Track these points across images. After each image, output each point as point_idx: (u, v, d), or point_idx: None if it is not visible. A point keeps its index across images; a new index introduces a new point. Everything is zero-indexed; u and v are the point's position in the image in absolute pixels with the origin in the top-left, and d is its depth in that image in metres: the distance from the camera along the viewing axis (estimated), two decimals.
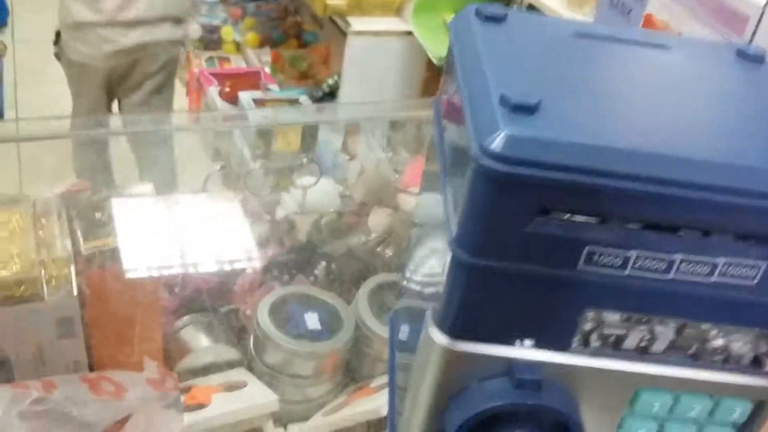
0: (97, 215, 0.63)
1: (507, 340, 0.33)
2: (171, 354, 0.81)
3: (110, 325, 0.60)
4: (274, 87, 2.40)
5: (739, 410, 0.34)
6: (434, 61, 1.87)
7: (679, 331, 0.33)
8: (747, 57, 0.38)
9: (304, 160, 0.85)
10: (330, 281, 0.91)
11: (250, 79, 2.44)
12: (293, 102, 2.26)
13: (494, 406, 0.32)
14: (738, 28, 0.41)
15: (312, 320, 0.81)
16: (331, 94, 2.31)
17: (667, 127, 0.32)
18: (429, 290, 0.39)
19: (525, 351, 0.33)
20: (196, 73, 2.48)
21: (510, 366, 0.33)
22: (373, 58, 2.07)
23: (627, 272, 0.30)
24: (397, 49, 2.08)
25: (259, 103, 2.21)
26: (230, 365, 0.81)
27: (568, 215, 0.29)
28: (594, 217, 0.29)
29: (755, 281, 0.30)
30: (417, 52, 2.00)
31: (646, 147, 0.29)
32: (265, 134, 1.02)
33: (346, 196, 0.92)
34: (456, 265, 0.31)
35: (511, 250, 0.30)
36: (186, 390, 0.76)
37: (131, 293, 0.61)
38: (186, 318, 0.84)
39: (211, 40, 2.74)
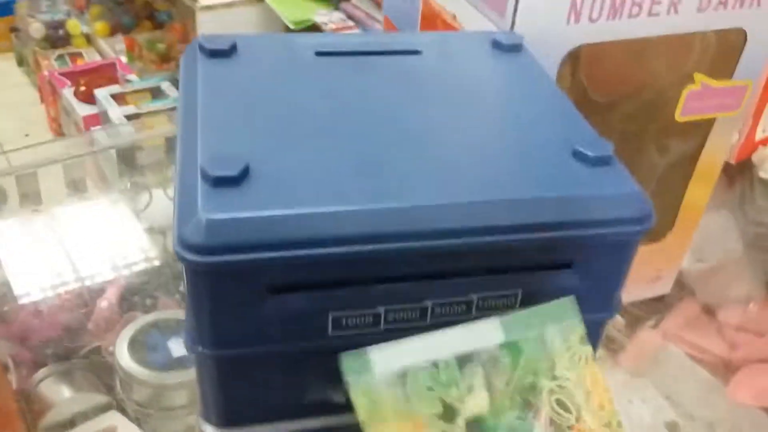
0: None
1: (282, 416, 0.30)
2: (34, 414, 0.75)
3: None
4: (132, 77, 2.26)
5: None
6: (290, 26, 1.80)
7: None
8: (502, 47, 0.36)
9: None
10: None
11: (105, 73, 2.29)
12: (155, 91, 2.14)
13: None
14: (499, 6, 0.39)
15: (177, 347, 0.77)
16: None
17: (396, 176, 0.28)
18: None
19: (305, 422, 0.30)
20: (47, 75, 2.30)
21: None
22: (229, 31, 1.96)
23: (382, 327, 0.28)
24: (252, 17, 1.99)
25: (118, 98, 2.08)
26: (99, 411, 0.76)
27: (303, 288, 0.26)
28: (330, 285, 0.27)
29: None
30: (272, 17, 1.91)
31: (370, 203, 0.26)
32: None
33: None
34: (200, 360, 0.28)
35: (252, 335, 0.27)
36: None
37: None
38: (42, 371, 0.78)
39: (57, 37, 2.55)
